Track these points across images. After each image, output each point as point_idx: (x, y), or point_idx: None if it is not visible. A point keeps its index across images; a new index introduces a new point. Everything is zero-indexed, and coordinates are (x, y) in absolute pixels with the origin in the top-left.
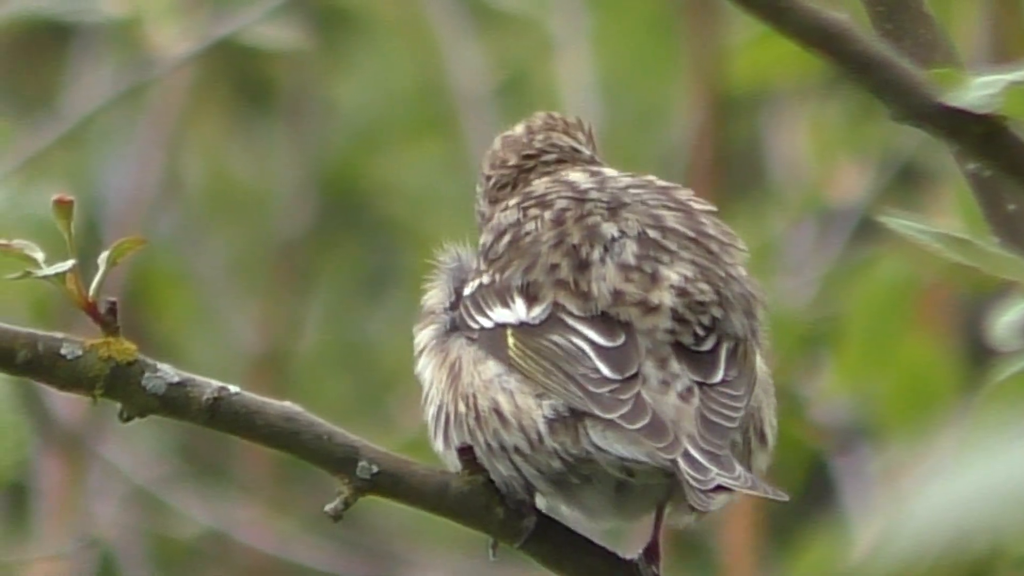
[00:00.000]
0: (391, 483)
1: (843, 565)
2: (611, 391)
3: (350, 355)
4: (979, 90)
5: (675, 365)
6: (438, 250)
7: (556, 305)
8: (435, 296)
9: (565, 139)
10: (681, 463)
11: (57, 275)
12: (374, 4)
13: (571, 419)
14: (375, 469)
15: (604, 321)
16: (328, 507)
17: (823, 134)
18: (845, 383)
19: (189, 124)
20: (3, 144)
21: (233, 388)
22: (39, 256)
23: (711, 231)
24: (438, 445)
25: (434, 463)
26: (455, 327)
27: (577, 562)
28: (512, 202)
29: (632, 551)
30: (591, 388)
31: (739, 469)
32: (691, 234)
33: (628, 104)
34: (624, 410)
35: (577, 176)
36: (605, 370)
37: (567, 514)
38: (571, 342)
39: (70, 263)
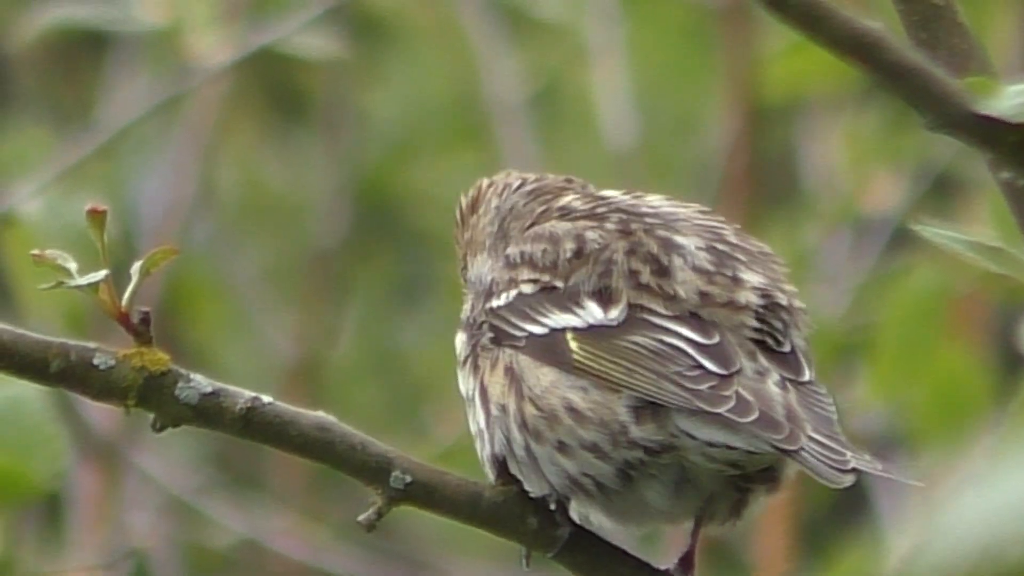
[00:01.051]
0: (424, 493)
1: (877, 575)
2: (711, 387)
3: (384, 364)
4: (1013, 99)
5: (763, 361)
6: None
7: (636, 307)
8: (465, 306)
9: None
10: (810, 449)
11: (90, 285)
12: (409, 14)
13: (655, 408)
14: (408, 479)
15: (696, 320)
16: (361, 517)
17: (858, 144)
18: (879, 392)
19: (224, 134)
20: (41, 154)
21: (266, 398)
22: (72, 266)
23: (764, 249)
24: (485, 453)
25: (469, 472)
26: (489, 337)
27: (611, 571)
28: (553, 216)
29: (666, 561)
30: (690, 385)
31: (866, 454)
32: (753, 249)
33: (663, 113)
34: (730, 404)
35: (612, 192)
36: (711, 366)
37: (600, 524)
38: (661, 341)
39: (103, 273)
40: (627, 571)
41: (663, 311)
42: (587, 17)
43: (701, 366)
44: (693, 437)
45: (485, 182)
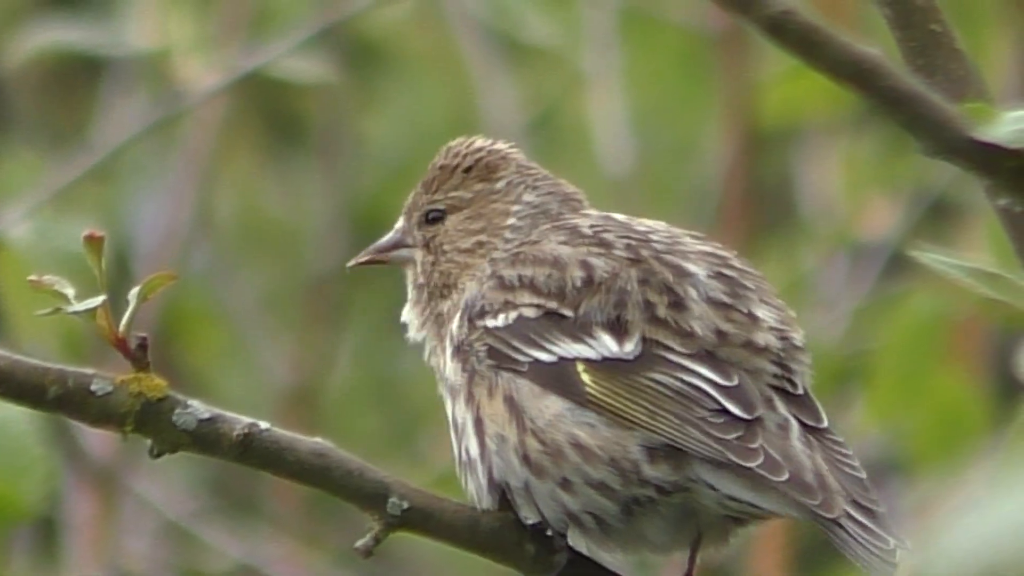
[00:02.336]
0: (421, 519)
1: None
2: (738, 437)
3: (381, 391)
4: (1010, 125)
5: (781, 407)
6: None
7: (651, 341)
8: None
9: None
10: (848, 526)
11: (87, 311)
12: (406, 39)
13: (672, 450)
14: (405, 505)
15: (712, 359)
16: (359, 543)
17: (854, 169)
18: (877, 418)
19: (221, 159)
20: (34, 177)
21: (263, 424)
22: (69, 292)
23: (760, 274)
24: (476, 482)
25: (466, 498)
26: (491, 363)
27: None
28: (557, 236)
29: None
30: (717, 433)
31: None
32: (756, 275)
33: (660, 139)
34: (759, 460)
35: (619, 216)
36: (734, 409)
37: (590, 551)
38: (682, 381)
39: (100, 299)
40: None
41: (680, 348)
42: (584, 43)
43: (724, 410)
44: (713, 488)
45: (497, 151)
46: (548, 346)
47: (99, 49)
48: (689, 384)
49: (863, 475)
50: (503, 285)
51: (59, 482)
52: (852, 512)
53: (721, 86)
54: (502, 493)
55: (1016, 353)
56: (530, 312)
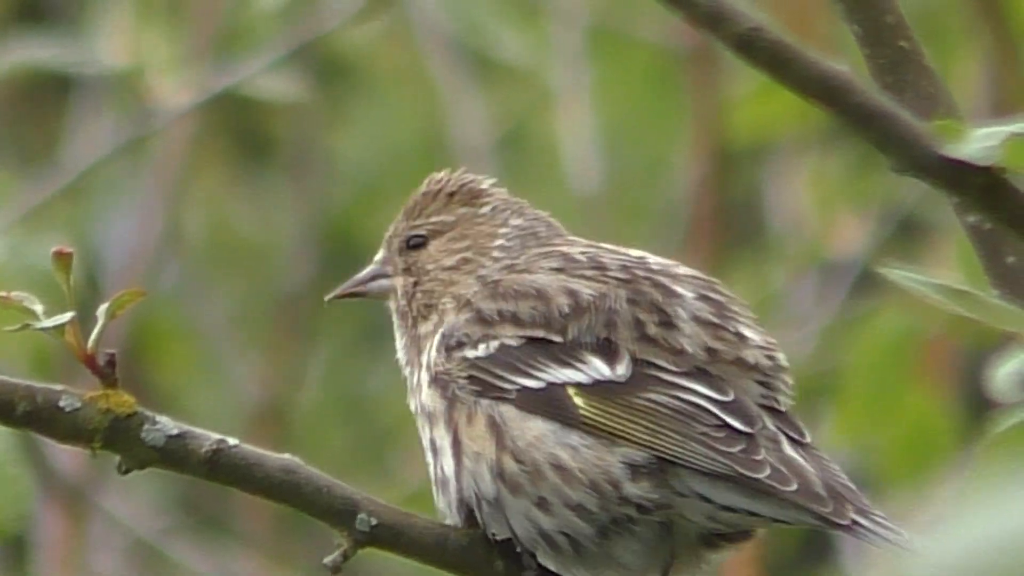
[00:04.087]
0: (390, 536)
1: None
2: (742, 450)
3: (350, 408)
4: (979, 142)
5: (770, 423)
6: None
7: (642, 362)
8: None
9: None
10: (865, 523)
11: (56, 327)
12: (375, 57)
13: (657, 466)
14: (374, 522)
15: (707, 377)
16: (327, 559)
17: (823, 186)
18: (846, 435)
19: (190, 176)
20: (4, 195)
21: (232, 440)
22: (38, 308)
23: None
24: (448, 500)
25: (435, 515)
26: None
27: None
28: (548, 262)
29: None
30: (722, 447)
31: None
32: (740, 300)
33: (629, 157)
34: (767, 472)
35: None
36: (735, 423)
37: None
38: (679, 399)
39: (69, 315)
40: None
41: (671, 367)
42: (553, 60)
43: (726, 424)
44: (707, 500)
45: (479, 183)
46: (535, 372)
47: (71, 67)
48: (686, 402)
49: (852, 487)
50: (481, 319)
51: (34, 502)
52: (858, 518)
53: (690, 103)
54: (469, 511)
55: (985, 371)
56: (512, 341)
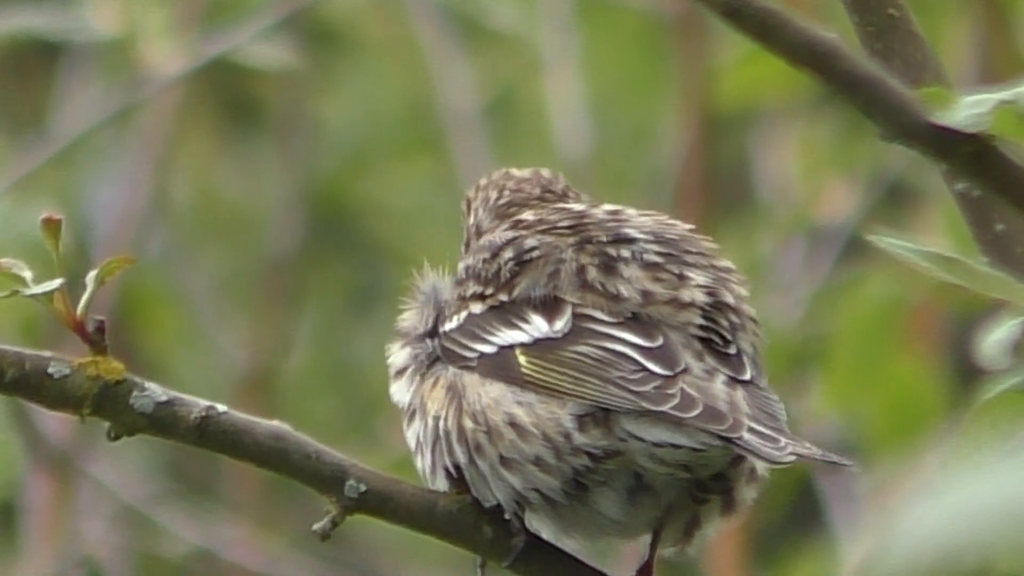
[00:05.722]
0: (379, 502)
1: None
2: (656, 387)
3: (338, 375)
4: (968, 109)
5: (711, 360)
6: (417, 272)
7: (580, 316)
8: (411, 319)
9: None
10: (748, 437)
11: (45, 294)
12: (363, 23)
13: (602, 414)
14: (363, 488)
15: (638, 323)
16: (316, 526)
17: (811, 153)
18: (833, 402)
19: (178, 143)
20: None
21: (221, 407)
22: (27, 275)
23: (715, 249)
24: (424, 465)
25: (421, 482)
26: (438, 358)
27: None
28: (504, 227)
29: (622, 573)
30: (635, 388)
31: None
32: (702, 249)
33: (617, 123)
34: (674, 402)
35: (572, 204)
36: (655, 368)
37: (555, 538)
38: (605, 349)
39: (58, 282)
40: None
41: (606, 317)
42: (541, 27)
43: (645, 368)
44: (641, 439)
45: (497, 174)
46: (490, 338)
47: (60, 34)
48: (610, 351)
49: (782, 415)
50: (458, 280)
51: (22, 468)
52: (756, 427)
53: (678, 70)
54: (448, 473)
55: (973, 338)
56: (477, 308)
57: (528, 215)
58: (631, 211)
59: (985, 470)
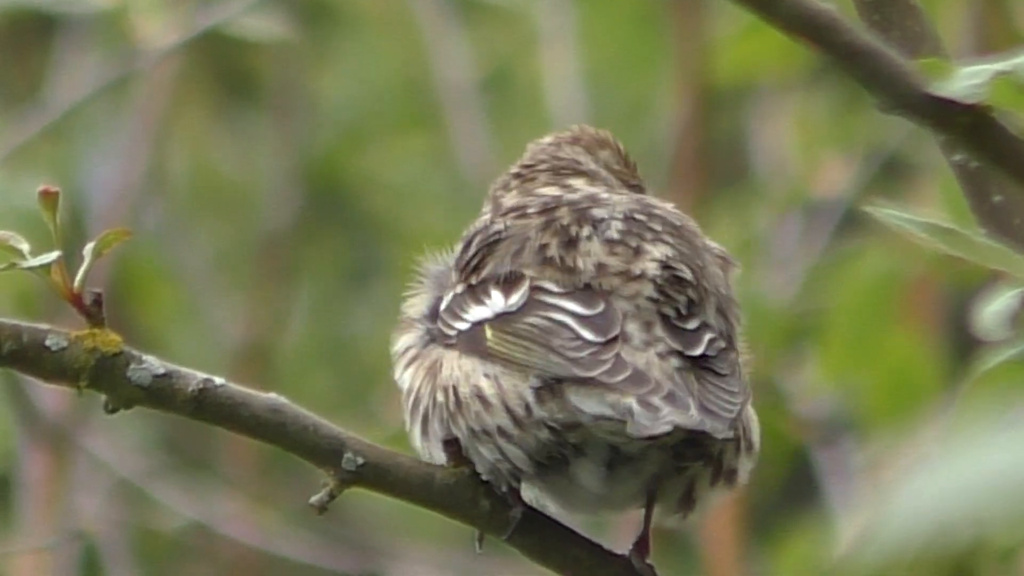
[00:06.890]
0: (376, 475)
1: (826, 559)
2: (591, 353)
3: (334, 349)
4: (966, 80)
5: (659, 331)
6: (423, 255)
7: (534, 289)
8: (416, 305)
9: (570, 152)
10: (634, 404)
11: (42, 266)
12: None
13: (556, 386)
14: (360, 461)
15: (585, 293)
16: (313, 499)
17: (808, 127)
18: (829, 377)
19: (174, 117)
20: None
21: (218, 380)
22: (24, 247)
23: (698, 233)
24: (417, 441)
25: (418, 456)
26: (433, 338)
27: (563, 554)
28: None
29: (620, 546)
30: (571, 354)
31: (695, 408)
32: (676, 223)
33: (613, 98)
34: (605, 368)
35: (549, 190)
36: (588, 335)
37: (552, 509)
38: (550, 318)
39: (55, 254)
40: (580, 553)
41: (556, 288)
42: (537, 1)
43: (579, 336)
44: (583, 411)
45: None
46: (465, 316)
47: (55, 6)
48: (553, 320)
49: (726, 395)
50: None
51: (14, 440)
52: (652, 398)
53: (675, 44)
54: (456, 445)
55: (971, 310)
56: (460, 288)
57: (510, 199)
58: (651, 199)
59: (982, 443)
